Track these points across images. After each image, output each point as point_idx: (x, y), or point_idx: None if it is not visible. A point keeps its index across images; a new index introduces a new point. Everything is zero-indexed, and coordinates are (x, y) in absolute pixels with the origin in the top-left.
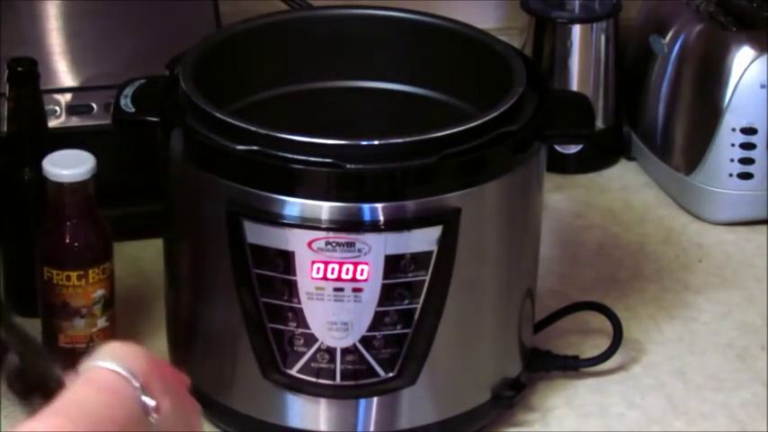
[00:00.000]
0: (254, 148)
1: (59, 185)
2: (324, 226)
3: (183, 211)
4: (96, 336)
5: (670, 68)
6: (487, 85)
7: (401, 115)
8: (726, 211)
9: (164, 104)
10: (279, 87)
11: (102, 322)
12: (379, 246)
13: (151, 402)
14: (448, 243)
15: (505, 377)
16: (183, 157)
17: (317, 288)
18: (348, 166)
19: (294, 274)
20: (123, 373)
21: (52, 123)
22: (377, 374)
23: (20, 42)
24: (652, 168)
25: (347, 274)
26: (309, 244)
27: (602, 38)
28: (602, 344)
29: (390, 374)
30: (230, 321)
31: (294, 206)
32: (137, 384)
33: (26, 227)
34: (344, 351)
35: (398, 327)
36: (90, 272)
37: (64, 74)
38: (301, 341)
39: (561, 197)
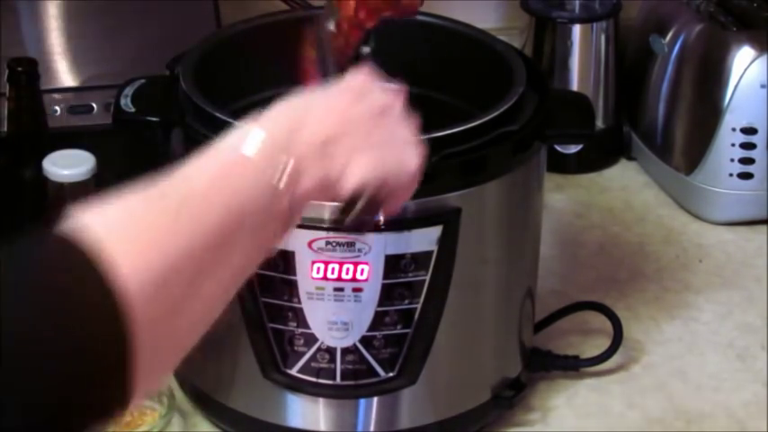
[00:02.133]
0: None
1: (60, 185)
2: (324, 226)
3: None
4: None
5: (670, 68)
6: (487, 85)
7: None
8: (726, 211)
9: (164, 104)
10: (279, 87)
11: None
12: (380, 246)
13: None
14: (448, 243)
15: (505, 377)
16: (183, 157)
17: (318, 288)
18: None
19: (294, 274)
20: None
21: (52, 123)
22: (377, 374)
23: (20, 42)
24: (652, 168)
25: (347, 273)
26: (309, 244)
27: (602, 38)
28: (602, 344)
29: (390, 374)
30: (230, 321)
31: None
32: None
33: (26, 227)
34: (344, 351)
35: (398, 327)
36: None
37: (64, 74)
38: (301, 341)
39: (561, 197)
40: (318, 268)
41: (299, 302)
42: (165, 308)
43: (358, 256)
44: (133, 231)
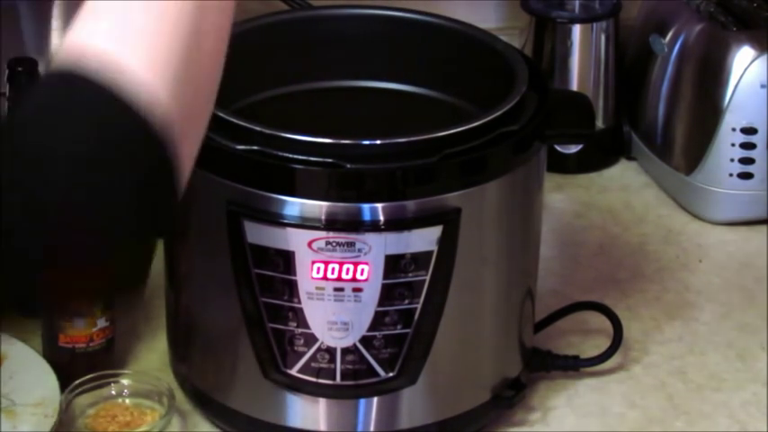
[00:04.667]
0: (254, 148)
1: None
2: (324, 226)
3: (183, 211)
4: (96, 336)
5: (670, 68)
6: (488, 84)
7: (401, 115)
8: (726, 211)
9: None
10: (279, 87)
11: (102, 322)
12: (380, 246)
13: None
14: (448, 243)
15: (505, 377)
16: None
17: (318, 288)
18: (348, 165)
19: (294, 274)
20: None
21: None
22: (377, 374)
23: (20, 42)
24: (652, 168)
25: (347, 273)
26: (309, 244)
27: (602, 38)
28: (602, 344)
29: (390, 374)
30: (230, 321)
31: (294, 206)
32: None
33: None
34: (344, 351)
35: (398, 327)
36: None
37: None
38: (301, 341)
39: (561, 197)
40: (318, 268)
41: (299, 302)
42: (190, 88)
43: (358, 256)
44: (137, 36)
